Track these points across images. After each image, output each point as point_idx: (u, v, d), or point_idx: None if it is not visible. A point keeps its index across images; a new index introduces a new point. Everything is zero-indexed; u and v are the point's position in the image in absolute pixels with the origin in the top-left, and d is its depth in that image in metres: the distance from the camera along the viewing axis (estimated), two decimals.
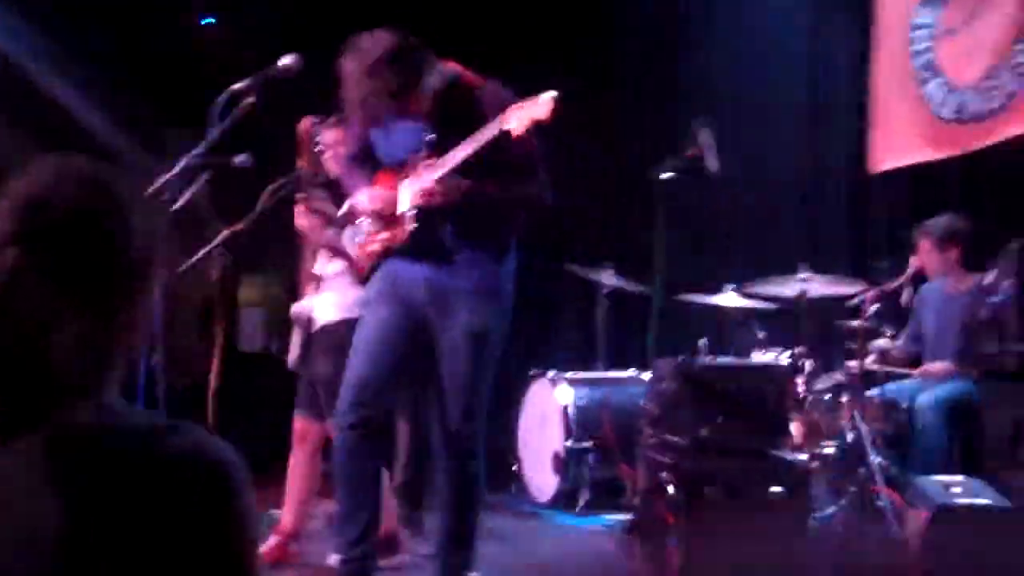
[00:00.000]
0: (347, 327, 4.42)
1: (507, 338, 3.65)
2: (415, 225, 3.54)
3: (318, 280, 4.59)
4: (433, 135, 3.53)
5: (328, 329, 4.50)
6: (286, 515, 4.59)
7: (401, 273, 3.64)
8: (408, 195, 3.55)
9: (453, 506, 3.62)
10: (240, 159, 4.44)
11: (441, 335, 3.57)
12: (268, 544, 4.52)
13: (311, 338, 4.60)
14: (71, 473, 1.10)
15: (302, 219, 4.46)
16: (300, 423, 4.61)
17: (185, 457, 1.15)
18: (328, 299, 4.53)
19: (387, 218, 3.63)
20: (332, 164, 4.52)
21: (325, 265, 4.60)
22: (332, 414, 4.42)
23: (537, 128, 3.55)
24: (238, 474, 1.18)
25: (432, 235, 3.56)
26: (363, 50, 3.42)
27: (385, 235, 3.66)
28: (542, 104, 3.29)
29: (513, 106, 3.33)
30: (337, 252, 4.37)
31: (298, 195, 4.48)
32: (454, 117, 3.49)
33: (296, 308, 4.76)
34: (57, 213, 1.19)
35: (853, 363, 4.93)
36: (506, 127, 3.32)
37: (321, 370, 4.47)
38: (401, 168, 3.63)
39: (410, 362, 3.70)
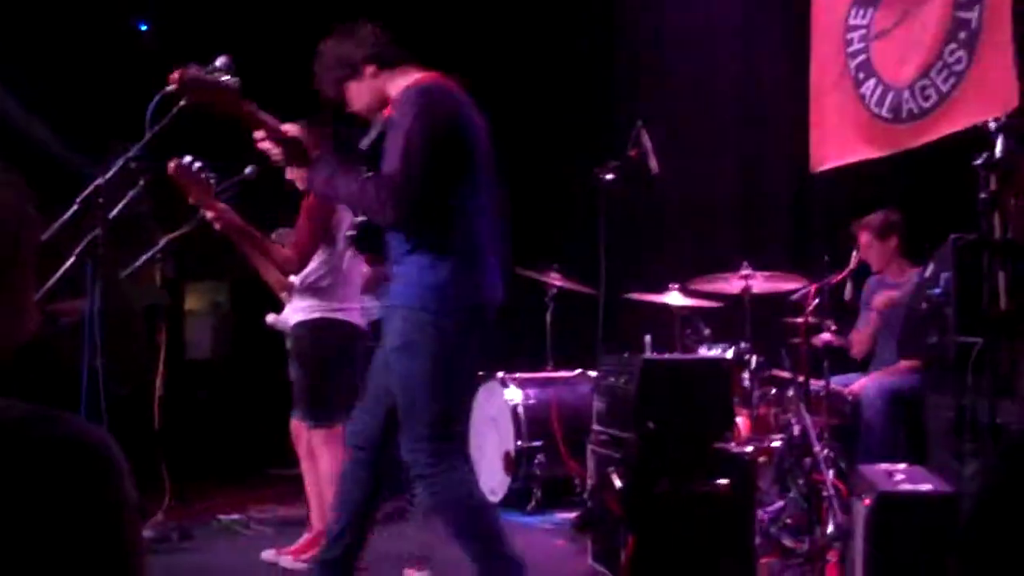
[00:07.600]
0: (303, 329, 4.53)
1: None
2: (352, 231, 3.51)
3: (290, 288, 4.64)
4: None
5: (291, 336, 4.63)
6: (311, 514, 4.66)
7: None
8: None
9: (448, 532, 3.46)
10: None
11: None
12: (299, 543, 4.59)
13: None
14: None
15: None
16: (293, 424, 4.71)
17: (61, 444, 1.13)
18: (291, 306, 4.65)
19: None
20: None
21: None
22: (307, 418, 4.48)
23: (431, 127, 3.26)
24: (115, 460, 1.16)
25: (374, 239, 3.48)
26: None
27: None
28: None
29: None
30: None
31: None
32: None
33: (271, 318, 4.82)
34: None
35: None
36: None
37: (292, 375, 4.57)
38: None
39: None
